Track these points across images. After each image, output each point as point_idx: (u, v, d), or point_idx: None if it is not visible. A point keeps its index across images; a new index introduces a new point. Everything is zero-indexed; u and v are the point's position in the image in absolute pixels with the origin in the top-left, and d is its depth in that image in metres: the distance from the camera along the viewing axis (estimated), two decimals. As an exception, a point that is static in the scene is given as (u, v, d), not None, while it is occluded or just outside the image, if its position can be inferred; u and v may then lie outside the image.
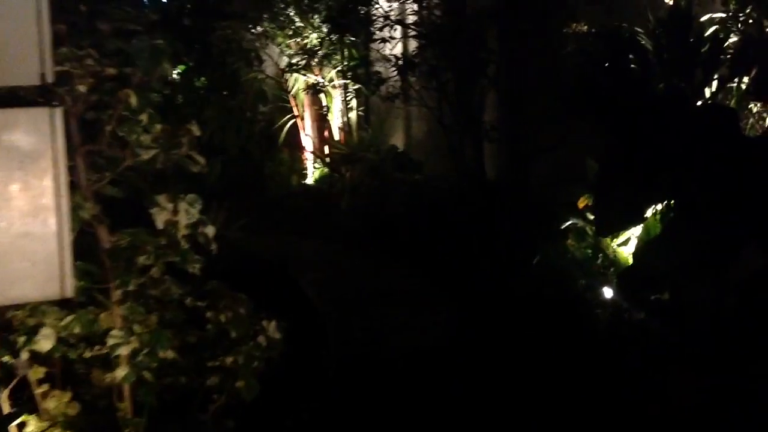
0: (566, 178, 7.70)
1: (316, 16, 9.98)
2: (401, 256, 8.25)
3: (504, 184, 7.93)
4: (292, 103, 10.92)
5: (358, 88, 10.32)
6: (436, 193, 9.22)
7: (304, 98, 11.05)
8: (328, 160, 10.74)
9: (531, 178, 8.04)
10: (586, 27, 6.19)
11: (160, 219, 3.59)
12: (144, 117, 3.50)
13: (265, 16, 10.11)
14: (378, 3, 8.75)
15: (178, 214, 3.57)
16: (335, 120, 10.98)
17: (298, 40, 10.21)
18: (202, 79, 12.56)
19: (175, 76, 13.05)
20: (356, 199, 9.81)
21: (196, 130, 3.55)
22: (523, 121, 7.97)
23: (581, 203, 6.27)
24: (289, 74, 10.48)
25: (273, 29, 10.19)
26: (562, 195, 7.22)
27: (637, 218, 5.12)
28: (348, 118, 10.81)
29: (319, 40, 10.11)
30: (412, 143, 10.67)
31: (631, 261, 5.56)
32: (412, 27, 8.40)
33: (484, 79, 7.99)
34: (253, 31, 10.35)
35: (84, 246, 3.45)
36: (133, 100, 3.47)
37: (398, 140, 10.75)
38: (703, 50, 5.37)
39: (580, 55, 5.58)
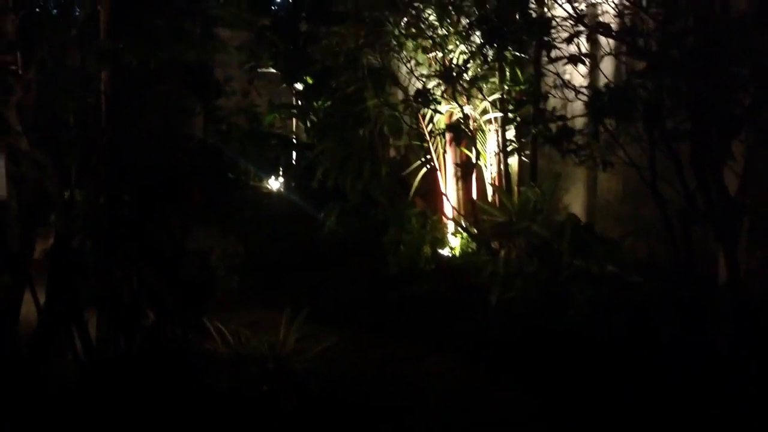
0: None
1: (463, 19, 6.68)
2: (592, 414, 4.91)
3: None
4: (429, 144, 7.68)
5: (520, 124, 6.89)
6: (643, 300, 5.81)
7: (445, 138, 7.80)
8: (474, 229, 7.42)
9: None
10: None
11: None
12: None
13: (389, 18, 6.91)
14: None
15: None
16: (488, 170, 7.66)
17: (438, 54, 6.94)
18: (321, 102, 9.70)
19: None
20: (512, 292, 6.50)
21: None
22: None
23: None
24: (421, 105, 7.23)
25: (401, 36, 6.96)
26: None
27: None
28: (506, 167, 7.48)
29: (467, 55, 6.81)
30: (598, 208, 7.23)
31: None
32: (622, 38, 4.96)
33: (751, 133, 4.49)
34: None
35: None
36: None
37: (577, 202, 7.34)
38: None
39: None
